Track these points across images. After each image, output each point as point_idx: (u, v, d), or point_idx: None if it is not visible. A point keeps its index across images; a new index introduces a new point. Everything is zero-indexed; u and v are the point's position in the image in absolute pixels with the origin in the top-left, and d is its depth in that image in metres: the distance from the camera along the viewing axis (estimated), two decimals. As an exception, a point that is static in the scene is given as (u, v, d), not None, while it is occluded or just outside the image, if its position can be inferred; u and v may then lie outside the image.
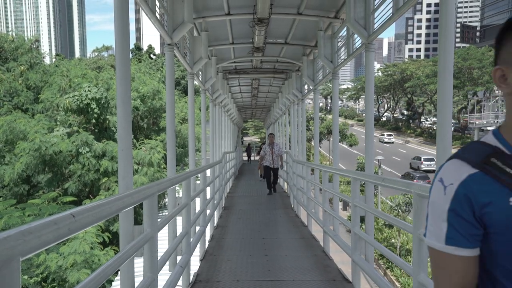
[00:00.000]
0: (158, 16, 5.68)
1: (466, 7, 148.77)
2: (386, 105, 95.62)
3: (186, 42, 8.27)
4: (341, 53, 8.50)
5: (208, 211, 7.39)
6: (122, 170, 3.67)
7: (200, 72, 10.57)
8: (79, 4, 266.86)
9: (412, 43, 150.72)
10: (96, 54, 54.68)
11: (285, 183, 15.94)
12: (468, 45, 78.89)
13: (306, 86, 13.02)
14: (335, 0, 8.12)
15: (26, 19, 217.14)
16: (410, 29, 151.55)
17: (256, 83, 17.39)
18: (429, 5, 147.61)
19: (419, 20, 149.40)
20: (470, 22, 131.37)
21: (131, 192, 2.93)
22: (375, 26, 6.11)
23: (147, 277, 2.98)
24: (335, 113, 8.91)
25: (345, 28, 8.07)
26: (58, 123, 19.59)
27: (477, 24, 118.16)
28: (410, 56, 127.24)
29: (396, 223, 3.98)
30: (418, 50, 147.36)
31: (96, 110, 18.94)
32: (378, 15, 6.02)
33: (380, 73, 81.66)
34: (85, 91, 18.81)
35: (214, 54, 10.96)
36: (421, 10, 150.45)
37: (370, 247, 5.08)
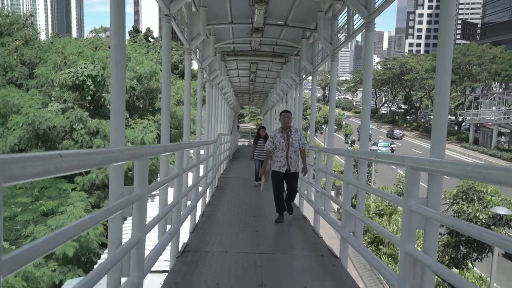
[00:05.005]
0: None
1: (467, 3, 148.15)
2: (384, 98, 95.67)
3: (184, 17, 8.15)
4: (341, 36, 8.42)
5: (200, 188, 7.36)
6: (113, 143, 3.51)
7: (198, 50, 10.46)
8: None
9: (413, 38, 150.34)
10: (94, 35, 54.16)
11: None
12: (468, 42, 78.76)
13: (303, 71, 12.94)
14: None
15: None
16: (411, 23, 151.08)
17: (254, 66, 17.27)
18: (430, 0, 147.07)
19: (421, 15, 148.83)
20: (471, 19, 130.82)
21: (122, 149, 2.87)
22: (376, 5, 6.04)
23: (135, 236, 2.95)
24: (332, 100, 8.88)
25: (346, 10, 7.99)
26: (52, 98, 19.42)
27: (478, 21, 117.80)
28: (410, 51, 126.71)
29: (387, 197, 3.98)
30: (419, 45, 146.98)
31: (91, 87, 18.79)
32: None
33: (379, 67, 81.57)
34: (81, 68, 18.65)
35: (212, 33, 10.84)
36: (422, 5, 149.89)
37: (360, 224, 5.07)
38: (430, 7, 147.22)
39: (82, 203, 13.64)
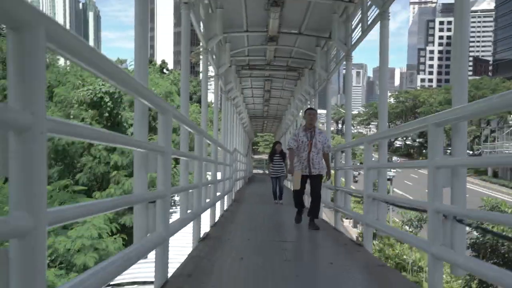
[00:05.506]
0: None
1: (478, 41, 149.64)
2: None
3: (201, 17, 8.41)
4: (355, 35, 8.59)
5: (218, 193, 7.34)
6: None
7: (214, 57, 10.70)
8: (95, 20, 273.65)
9: (424, 74, 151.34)
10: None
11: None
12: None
13: (318, 82, 13.11)
14: None
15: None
16: (422, 59, 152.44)
17: (268, 84, 17.51)
18: (441, 37, 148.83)
19: (431, 52, 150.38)
20: (482, 56, 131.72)
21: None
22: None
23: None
24: (348, 103, 8.97)
25: (360, 12, 8.19)
26: (71, 116, 19.83)
27: (490, 58, 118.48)
28: (422, 86, 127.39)
29: (411, 165, 3.93)
30: (430, 80, 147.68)
31: (109, 104, 19.19)
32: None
33: (392, 100, 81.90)
34: (99, 85, 19.11)
35: (228, 41, 11.12)
36: (433, 42, 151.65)
37: (383, 209, 5.02)
38: (440, 44, 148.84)
39: (101, 215, 13.76)
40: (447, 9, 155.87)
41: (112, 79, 1.93)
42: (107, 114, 19.72)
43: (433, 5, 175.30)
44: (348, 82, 8.97)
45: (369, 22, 7.46)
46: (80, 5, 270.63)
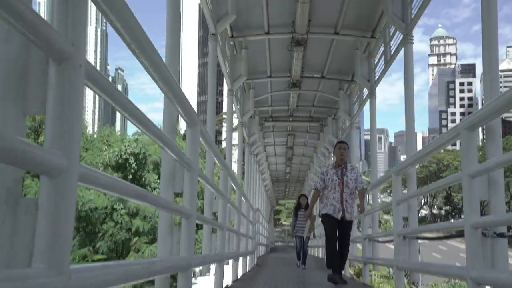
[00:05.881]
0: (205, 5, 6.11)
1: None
2: (422, 200, 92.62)
3: (227, 56, 8.61)
4: (377, 71, 8.62)
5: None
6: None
7: (238, 104, 10.81)
8: (124, 92, 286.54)
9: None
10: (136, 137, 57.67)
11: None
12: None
13: (341, 130, 13.04)
14: (371, 18, 8.42)
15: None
16: (444, 122, 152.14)
17: (291, 140, 17.52)
18: (462, 98, 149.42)
19: (453, 114, 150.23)
20: (506, 117, 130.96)
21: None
22: (412, 15, 6.27)
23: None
24: (372, 133, 8.81)
25: (382, 46, 8.28)
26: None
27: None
28: (446, 149, 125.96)
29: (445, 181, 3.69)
30: (454, 144, 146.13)
31: (133, 165, 19.38)
32: (416, 3, 6.20)
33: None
34: (124, 146, 19.46)
35: (252, 87, 11.30)
36: (454, 104, 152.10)
37: (414, 247, 4.70)
38: (462, 106, 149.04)
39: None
40: (466, 70, 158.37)
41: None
42: (131, 177, 19.86)
43: (452, 66, 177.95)
44: (373, 121, 8.85)
45: (392, 51, 7.49)
46: (110, 78, 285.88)
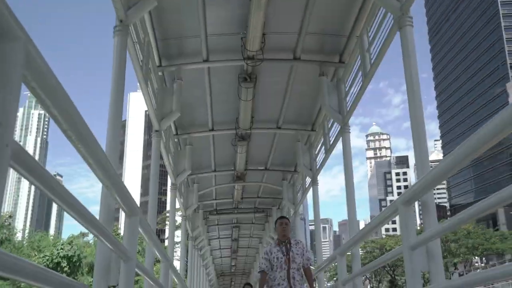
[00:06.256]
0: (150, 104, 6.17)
1: (434, 188, 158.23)
2: (369, 285, 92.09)
3: (171, 152, 8.54)
4: (318, 161, 8.88)
5: None
6: None
7: (182, 198, 10.57)
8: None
9: (388, 223, 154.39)
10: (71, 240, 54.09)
11: None
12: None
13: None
14: (310, 113, 8.84)
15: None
16: (383, 210, 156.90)
17: (236, 232, 17.19)
18: (398, 187, 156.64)
19: (392, 201, 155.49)
20: (440, 203, 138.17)
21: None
22: (348, 107, 6.66)
23: None
24: (317, 220, 8.84)
25: (322, 138, 8.64)
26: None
27: (446, 204, 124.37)
28: (387, 235, 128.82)
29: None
30: (394, 229, 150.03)
31: (66, 269, 17.85)
32: (350, 98, 6.63)
33: (360, 251, 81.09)
34: (57, 250, 18.08)
35: (196, 182, 11.17)
36: (392, 192, 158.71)
37: None
38: (399, 194, 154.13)
39: None
40: (400, 161, 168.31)
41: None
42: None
43: (388, 158, 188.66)
44: (316, 207, 8.93)
45: (331, 141, 7.80)
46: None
